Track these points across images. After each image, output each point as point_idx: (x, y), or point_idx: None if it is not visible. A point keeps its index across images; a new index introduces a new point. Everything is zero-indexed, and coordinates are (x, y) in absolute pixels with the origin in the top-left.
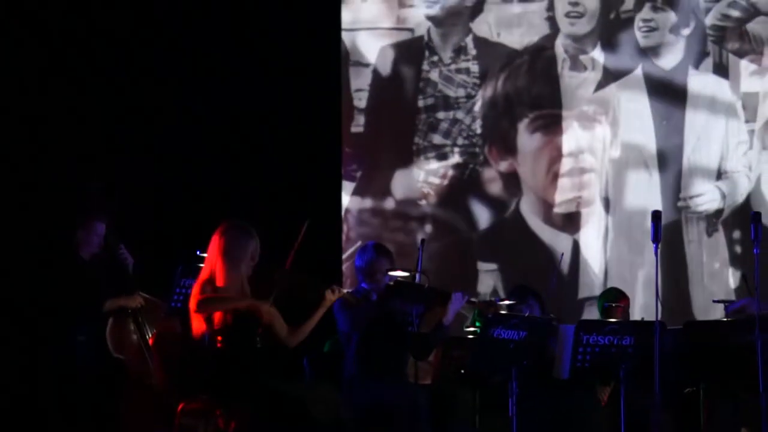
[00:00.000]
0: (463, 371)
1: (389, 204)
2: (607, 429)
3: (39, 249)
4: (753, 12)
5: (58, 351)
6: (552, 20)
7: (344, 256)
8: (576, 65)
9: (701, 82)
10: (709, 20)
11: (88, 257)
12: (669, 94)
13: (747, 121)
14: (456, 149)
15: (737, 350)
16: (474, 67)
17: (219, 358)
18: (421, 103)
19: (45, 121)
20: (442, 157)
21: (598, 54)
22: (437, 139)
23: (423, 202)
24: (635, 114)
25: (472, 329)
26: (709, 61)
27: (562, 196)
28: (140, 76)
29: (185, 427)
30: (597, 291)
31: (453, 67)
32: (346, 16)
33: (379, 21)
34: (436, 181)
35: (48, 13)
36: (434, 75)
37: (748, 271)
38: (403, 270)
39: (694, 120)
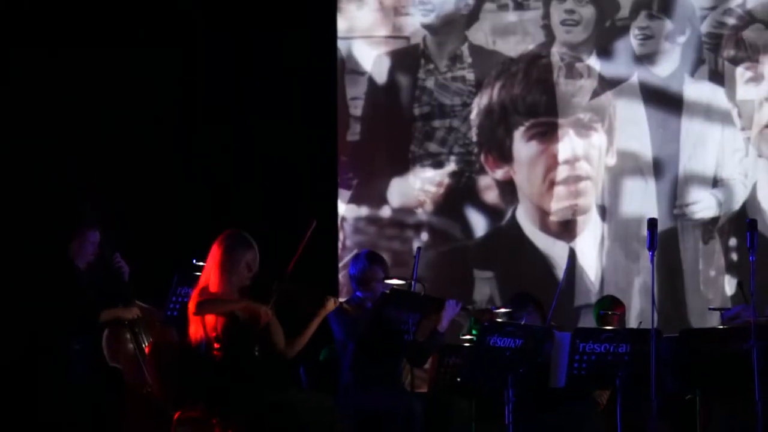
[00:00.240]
0: (459, 379)
1: (385, 212)
2: None
3: (35, 259)
4: (748, 20)
5: (53, 360)
6: (548, 28)
7: (340, 265)
8: (572, 73)
9: (697, 89)
10: (705, 28)
11: (84, 266)
12: (665, 102)
13: (743, 129)
14: (452, 157)
15: (733, 358)
16: (470, 75)
17: (216, 366)
18: (416, 111)
19: (38, 131)
20: (438, 165)
21: (593, 62)
22: (433, 147)
23: (419, 210)
24: (631, 122)
25: (468, 337)
26: (704, 69)
27: (558, 203)
28: (133, 86)
29: None
30: (593, 298)
31: (449, 75)
32: (342, 25)
33: (374, 29)
34: (432, 189)
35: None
36: (430, 83)
37: (744, 279)
38: (399, 278)
39: (690, 128)
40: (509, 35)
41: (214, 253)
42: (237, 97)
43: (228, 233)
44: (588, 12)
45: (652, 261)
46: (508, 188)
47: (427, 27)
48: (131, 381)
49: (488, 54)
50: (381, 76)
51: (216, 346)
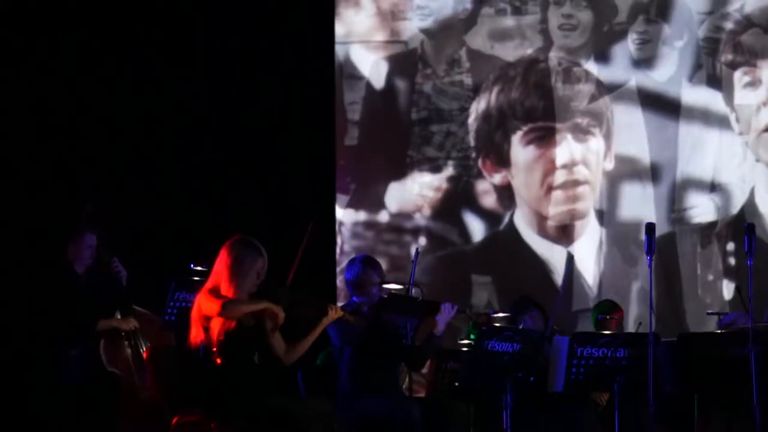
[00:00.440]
0: (457, 384)
1: (383, 217)
2: None
3: (33, 264)
4: (746, 24)
5: (51, 365)
6: (545, 33)
7: (338, 269)
8: (569, 78)
9: (695, 94)
10: (703, 32)
11: (82, 271)
12: (662, 107)
13: (741, 133)
14: (450, 162)
15: (731, 362)
16: (467, 80)
17: (215, 371)
18: (414, 115)
19: (36, 136)
20: (436, 169)
21: (591, 66)
22: (431, 151)
23: (417, 215)
24: (629, 126)
25: (466, 342)
26: (702, 74)
27: (556, 208)
28: (132, 88)
29: None
30: (591, 303)
31: (446, 79)
32: (340, 29)
33: (372, 34)
34: (430, 193)
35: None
36: (428, 88)
37: (742, 283)
38: (397, 282)
39: (688, 132)
40: (507, 40)
41: (225, 258)
42: (235, 101)
43: (239, 240)
44: (586, 17)
45: (650, 265)
46: (506, 193)
47: (424, 31)
48: (129, 386)
49: (486, 58)
50: (379, 81)
51: (215, 350)
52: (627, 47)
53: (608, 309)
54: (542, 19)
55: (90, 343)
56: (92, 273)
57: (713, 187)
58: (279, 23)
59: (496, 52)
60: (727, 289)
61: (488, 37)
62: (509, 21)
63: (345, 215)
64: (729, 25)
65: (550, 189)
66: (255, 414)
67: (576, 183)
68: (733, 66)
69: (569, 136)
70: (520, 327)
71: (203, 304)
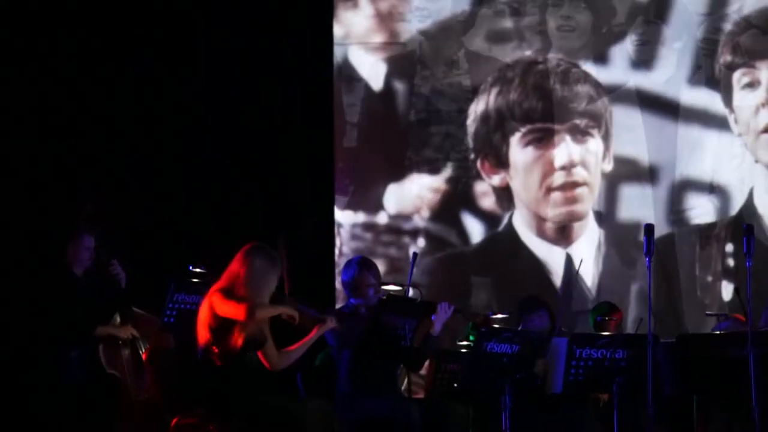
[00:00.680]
0: (456, 385)
1: (382, 218)
2: None
3: (32, 267)
4: (745, 25)
5: (50, 367)
6: (544, 34)
7: (337, 271)
8: (568, 79)
9: (693, 95)
10: (701, 34)
11: (81, 273)
12: (661, 108)
13: (739, 135)
14: (448, 163)
15: (730, 363)
16: (466, 81)
17: (215, 372)
18: (413, 117)
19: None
20: (435, 171)
21: (590, 68)
22: (429, 153)
23: (416, 217)
24: (628, 127)
25: (465, 343)
26: (701, 75)
27: (555, 209)
28: (131, 91)
29: None
30: (590, 304)
31: (445, 81)
32: (338, 31)
33: (371, 35)
34: (429, 195)
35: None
36: (426, 89)
37: (740, 285)
38: (396, 284)
39: (687, 133)
40: (506, 41)
41: (245, 266)
42: (233, 103)
43: (260, 249)
44: (584, 18)
45: (648, 267)
46: (504, 194)
47: (423, 33)
48: (128, 387)
49: (484, 60)
50: (377, 83)
51: (215, 350)
52: (626, 48)
53: (607, 310)
54: (541, 21)
55: (89, 344)
56: (91, 274)
57: (712, 189)
58: (278, 24)
59: (494, 54)
60: (726, 291)
61: (487, 39)
62: (508, 22)
63: (344, 217)
64: (728, 27)
65: (548, 190)
66: (255, 414)
67: (575, 184)
68: (732, 67)
69: (568, 138)
70: (527, 327)
71: (219, 306)
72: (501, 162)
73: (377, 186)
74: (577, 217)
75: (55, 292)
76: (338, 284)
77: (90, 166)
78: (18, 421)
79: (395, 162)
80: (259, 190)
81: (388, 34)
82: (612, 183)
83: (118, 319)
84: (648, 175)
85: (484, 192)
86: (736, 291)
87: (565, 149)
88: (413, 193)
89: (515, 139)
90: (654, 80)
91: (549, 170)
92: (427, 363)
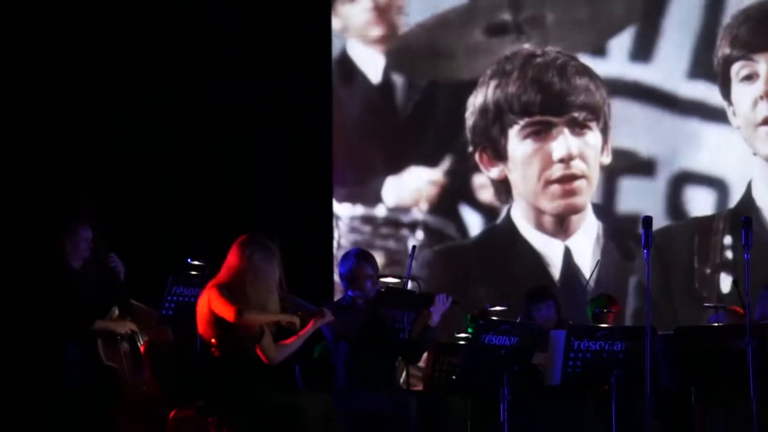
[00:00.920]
0: (454, 377)
1: (380, 211)
2: None
3: (29, 261)
4: (743, 18)
5: (48, 360)
6: (543, 27)
7: (335, 264)
8: (566, 72)
9: (692, 88)
10: (700, 26)
11: (80, 265)
12: (660, 100)
13: (738, 127)
14: (447, 156)
15: (728, 355)
16: (464, 74)
17: (214, 365)
18: (411, 109)
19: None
20: (433, 163)
21: (588, 60)
22: (428, 146)
23: (414, 209)
24: (626, 120)
25: (463, 335)
26: (699, 68)
27: (553, 202)
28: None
29: None
30: (588, 297)
31: (443, 74)
32: (336, 24)
33: (369, 28)
34: (427, 187)
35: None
36: (424, 82)
37: (739, 277)
38: (394, 276)
39: (685, 126)
40: (504, 34)
41: (242, 258)
42: (231, 96)
43: (255, 240)
44: (583, 10)
45: (647, 259)
46: (503, 187)
47: (421, 26)
48: (126, 380)
49: (483, 53)
50: (376, 75)
51: (214, 342)
52: (624, 41)
53: (605, 303)
54: (539, 14)
55: (89, 339)
56: (90, 265)
57: (710, 181)
58: (276, 17)
59: (493, 47)
60: (725, 283)
61: (485, 32)
62: (506, 15)
63: (342, 209)
64: (726, 19)
65: (547, 183)
66: (254, 407)
67: (573, 177)
68: (731, 60)
69: (566, 131)
70: (534, 317)
71: (215, 303)
72: (499, 155)
73: (376, 178)
74: (575, 210)
75: (53, 285)
76: (336, 277)
77: (90, 165)
78: (16, 415)
79: (393, 154)
80: (256, 182)
81: (387, 27)
82: (610, 176)
83: (117, 312)
84: (646, 167)
85: (483, 185)
86: (735, 283)
87: (563, 142)
88: (412, 186)
89: (514, 132)
90: (652, 73)
91: (547, 163)
92: (425, 355)
